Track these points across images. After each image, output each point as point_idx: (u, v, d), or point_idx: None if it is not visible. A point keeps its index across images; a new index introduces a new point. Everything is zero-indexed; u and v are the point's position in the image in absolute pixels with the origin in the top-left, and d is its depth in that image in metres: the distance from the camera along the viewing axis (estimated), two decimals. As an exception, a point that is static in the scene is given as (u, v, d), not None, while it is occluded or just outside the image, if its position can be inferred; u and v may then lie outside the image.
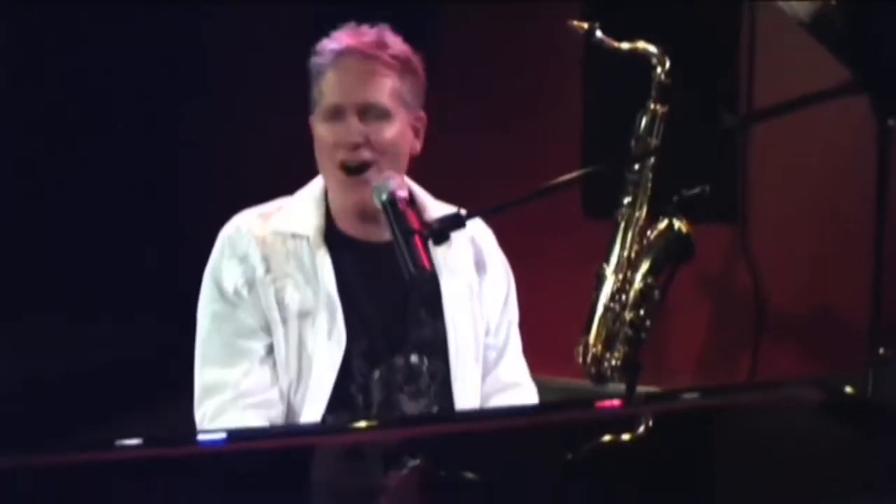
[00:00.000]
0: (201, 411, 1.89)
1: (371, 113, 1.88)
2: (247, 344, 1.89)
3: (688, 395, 1.79)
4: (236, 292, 1.89)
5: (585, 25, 2.38)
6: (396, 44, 1.93)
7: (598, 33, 2.38)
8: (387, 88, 1.89)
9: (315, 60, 1.93)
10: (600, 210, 2.88)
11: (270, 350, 1.90)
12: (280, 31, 4.41)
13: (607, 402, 1.65)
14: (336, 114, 1.88)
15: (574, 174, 1.65)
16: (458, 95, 3.78)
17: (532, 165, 3.92)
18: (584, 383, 2.71)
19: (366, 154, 1.87)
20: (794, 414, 1.62)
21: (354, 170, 1.86)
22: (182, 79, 4.52)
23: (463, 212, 1.70)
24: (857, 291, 3.60)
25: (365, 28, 1.94)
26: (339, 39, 1.92)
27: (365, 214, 1.87)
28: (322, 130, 1.90)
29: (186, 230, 4.75)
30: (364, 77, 1.88)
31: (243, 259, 1.90)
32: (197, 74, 4.56)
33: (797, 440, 1.54)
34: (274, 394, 1.88)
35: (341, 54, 1.90)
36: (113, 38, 4.31)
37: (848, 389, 1.59)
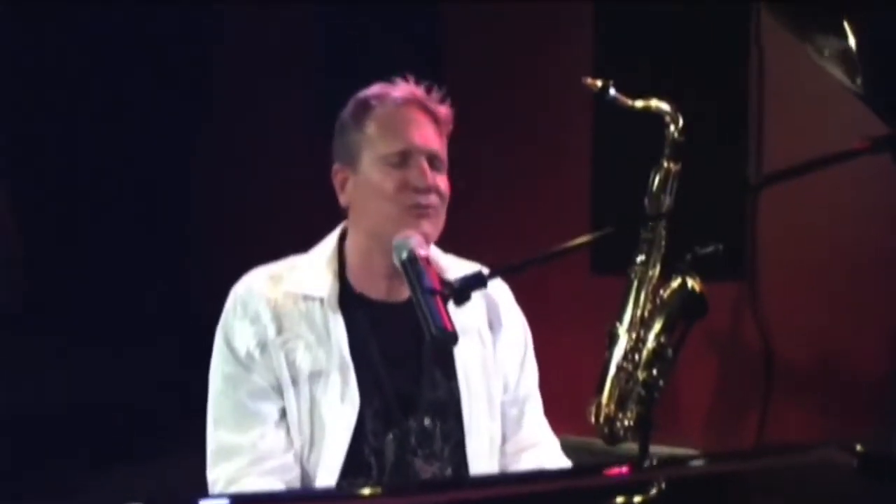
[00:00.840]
0: (214, 474, 1.85)
1: (435, 162, 1.90)
2: (260, 406, 1.85)
3: (696, 462, 1.74)
4: (248, 354, 1.86)
5: (599, 83, 2.37)
6: (445, 106, 1.96)
7: (612, 91, 2.37)
8: (443, 143, 1.93)
9: (369, 104, 1.91)
10: (608, 266, 2.86)
11: (284, 413, 1.86)
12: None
13: (618, 470, 1.60)
14: (403, 159, 1.87)
15: (590, 236, 1.62)
16: (465, 145, 3.78)
17: (541, 219, 3.91)
18: (593, 440, 2.67)
19: (434, 199, 1.87)
20: (819, 477, 1.58)
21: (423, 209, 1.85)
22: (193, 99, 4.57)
23: (485, 271, 1.67)
24: (865, 348, 3.60)
25: (416, 83, 1.95)
26: (401, 89, 1.93)
27: (393, 267, 1.80)
28: (380, 175, 1.86)
29: (193, 269, 4.77)
30: (430, 127, 1.90)
31: (255, 320, 1.87)
32: (207, 96, 4.61)
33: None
34: (290, 458, 1.84)
35: (408, 102, 1.91)
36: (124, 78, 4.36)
37: (868, 450, 1.54)
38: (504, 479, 1.82)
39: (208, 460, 1.88)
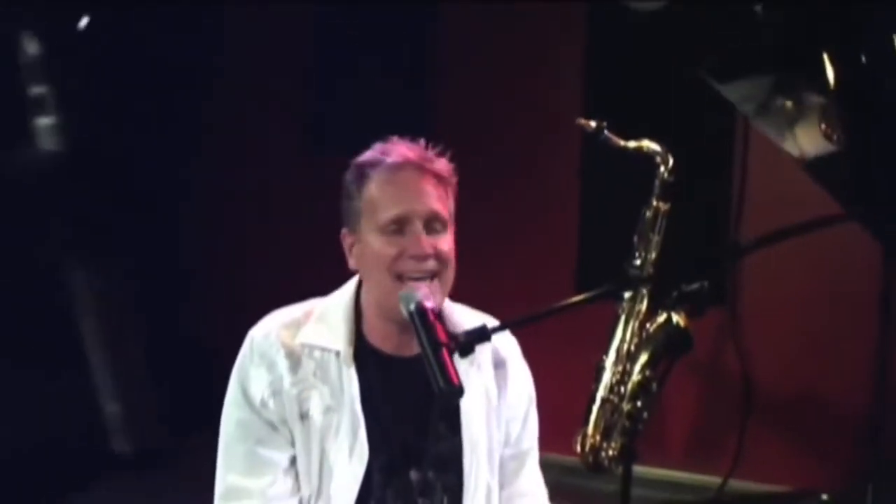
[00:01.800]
0: None
1: (435, 224, 1.86)
2: (271, 454, 1.89)
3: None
4: (262, 402, 1.88)
5: (593, 124, 2.43)
6: (443, 161, 1.92)
7: (605, 131, 2.44)
8: (443, 201, 1.88)
9: (365, 171, 1.88)
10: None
11: (294, 461, 1.90)
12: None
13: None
14: (399, 226, 1.84)
15: (587, 294, 1.69)
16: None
17: (529, 256, 3.99)
18: (574, 459, 2.73)
19: (432, 265, 1.84)
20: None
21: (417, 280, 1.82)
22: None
23: (488, 324, 1.71)
24: (841, 376, 3.68)
25: (411, 143, 1.91)
26: (394, 152, 1.89)
27: (405, 324, 1.82)
28: (379, 242, 1.85)
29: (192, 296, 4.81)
30: (426, 188, 1.87)
31: (271, 368, 1.89)
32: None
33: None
34: (295, 502, 1.88)
35: (400, 166, 1.87)
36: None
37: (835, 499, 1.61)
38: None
39: (216, 501, 1.92)
